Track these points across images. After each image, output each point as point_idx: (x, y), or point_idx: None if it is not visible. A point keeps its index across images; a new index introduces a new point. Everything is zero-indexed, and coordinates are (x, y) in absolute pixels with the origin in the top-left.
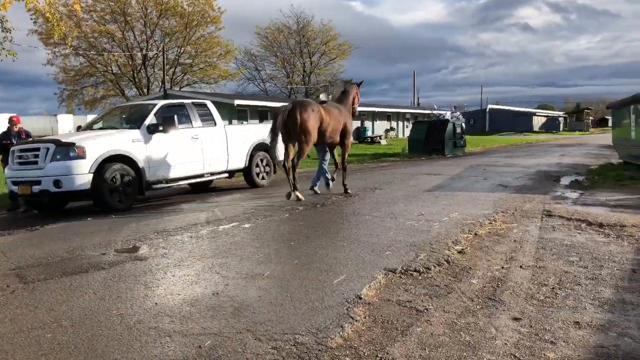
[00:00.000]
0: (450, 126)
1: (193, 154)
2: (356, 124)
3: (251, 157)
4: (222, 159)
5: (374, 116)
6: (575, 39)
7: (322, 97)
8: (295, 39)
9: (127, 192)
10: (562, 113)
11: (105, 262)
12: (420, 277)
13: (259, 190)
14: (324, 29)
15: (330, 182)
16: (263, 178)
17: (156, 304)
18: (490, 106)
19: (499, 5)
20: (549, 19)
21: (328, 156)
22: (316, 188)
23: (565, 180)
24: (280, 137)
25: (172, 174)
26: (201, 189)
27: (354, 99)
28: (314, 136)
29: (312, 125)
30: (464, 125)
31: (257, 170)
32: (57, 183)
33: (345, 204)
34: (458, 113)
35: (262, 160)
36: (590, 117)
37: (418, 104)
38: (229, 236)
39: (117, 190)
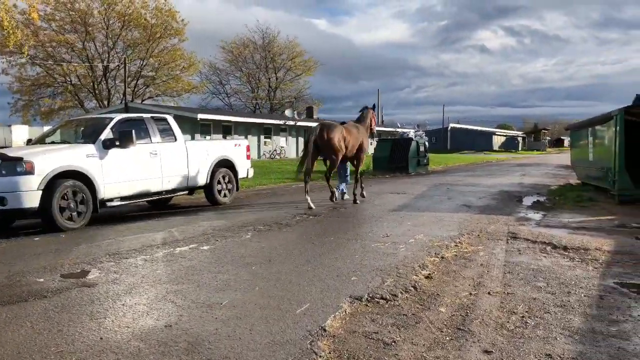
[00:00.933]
0: (414, 144)
1: (151, 171)
2: None
3: (213, 173)
4: (182, 175)
5: None
6: (532, 61)
7: (288, 112)
8: (261, 54)
9: (80, 210)
10: (520, 133)
11: (48, 290)
12: (387, 306)
13: (220, 208)
14: (289, 45)
15: (344, 194)
16: (225, 195)
17: (101, 338)
18: (451, 125)
19: (459, 27)
20: (504, 42)
21: (348, 169)
22: (345, 195)
23: (527, 201)
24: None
25: (129, 191)
26: (160, 206)
27: (371, 120)
28: (342, 152)
29: (338, 143)
30: (427, 143)
31: (219, 187)
32: (1, 200)
33: (311, 224)
34: (421, 131)
35: (224, 177)
36: (547, 137)
37: (382, 121)
38: (186, 259)
39: (69, 209)
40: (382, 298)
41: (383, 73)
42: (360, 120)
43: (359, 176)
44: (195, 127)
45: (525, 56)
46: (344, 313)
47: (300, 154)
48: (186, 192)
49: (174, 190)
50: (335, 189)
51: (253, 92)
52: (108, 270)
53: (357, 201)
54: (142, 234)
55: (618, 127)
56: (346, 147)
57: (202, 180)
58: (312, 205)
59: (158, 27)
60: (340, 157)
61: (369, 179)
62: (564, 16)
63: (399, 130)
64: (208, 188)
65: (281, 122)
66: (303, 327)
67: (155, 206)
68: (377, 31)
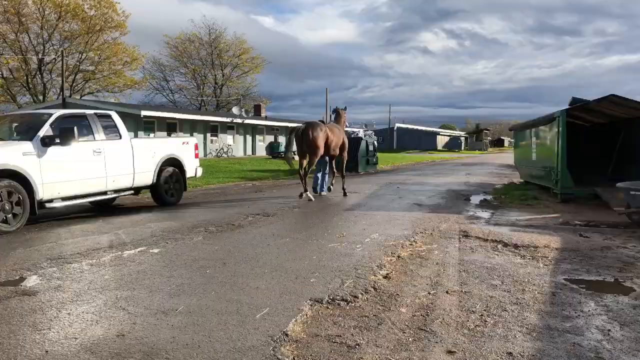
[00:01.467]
0: (363, 144)
1: (95, 170)
2: (270, 138)
3: (160, 172)
4: (127, 174)
5: (288, 131)
6: (473, 64)
7: (235, 110)
8: (207, 50)
9: (15, 212)
10: (463, 133)
11: None
12: (348, 307)
13: (168, 209)
14: (236, 41)
15: (329, 188)
16: (172, 195)
17: (47, 351)
18: (397, 125)
19: (403, 28)
20: (446, 44)
21: (327, 167)
22: (324, 192)
23: (475, 199)
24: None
25: (70, 192)
26: (104, 207)
27: (344, 120)
28: (321, 150)
29: (320, 141)
30: (376, 143)
31: (166, 187)
32: None
33: (264, 225)
34: (370, 131)
35: (171, 176)
36: (489, 138)
37: (330, 120)
38: (135, 263)
39: (3, 210)
40: (342, 300)
41: (329, 72)
42: (337, 120)
43: (344, 172)
44: (138, 125)
45: (466, 58)
46: (305, 316)
47: (256, 152)
48: (132, 192)
49: (119, 190)
50: (307, 187)
51: (199, 89)
52: (50, 277)
53: (347, 194)
54: (86, 236)
55: (560, 128)
56: (329, 146)
57: (148, 179)
58: (311, 197)
59: (98, 20)
60: (319, 155)
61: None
62: (501, 21)
63: (347, 129)
64: (155, 188)
65: (228, 119)
66: (264, 332)
67: (99, 207)
68: (324, 30)
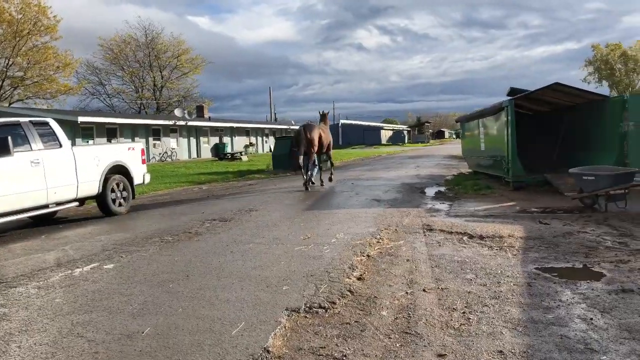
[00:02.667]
0: None
1: (33, 182)
2: (214, 140)
3: (105, 181)
4: (70, 185)
5: (233, 132)
6: (409, 59)
7: (177, 112)
8: (144, 52)
9: None
10: (405, 127)
11: None
12: (327, 315)
13: (116, 219)
14: (174, 42)
15: (321, 182)
16: (120, 205)
17: None
18: (342, 121)
19: (339, 26)
20: (380, 40)
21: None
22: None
23: (430, 192)
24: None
25: (6, 207)
26: (45, 221)
27: (327, 121)
28: (317, 147)
29: (317, 139)
30: None
31: (113, 196)
32: None
33: (224, 231)
34: None
35: (118, 185)
36: (430, 130)
37: (275, 119)
38: (89, 282)
39: None
40: (320, 307)
41: (269, 71)
42: (323, 122)
43: (333, 162)
44: (75, 131)
45: (401, 54)
46: (284, 329)
47: (201, 155)
48: (76, 203)
49: (61, 203)
50: (305, 177)
51: (137, 92)
52: None
53: (332, 181)
54: (29, 255)
55: (509, 117)
56: (322, 143)
57: (93, 189)
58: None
59: (26, 23)
60: (316, 151)
61: (272, 179)
62: (430, 16)
63: (294, 127)
64: (101, 197)
65: (171, 122)
66: (244, 350)
67: (40, 221)
68: (262, 29)
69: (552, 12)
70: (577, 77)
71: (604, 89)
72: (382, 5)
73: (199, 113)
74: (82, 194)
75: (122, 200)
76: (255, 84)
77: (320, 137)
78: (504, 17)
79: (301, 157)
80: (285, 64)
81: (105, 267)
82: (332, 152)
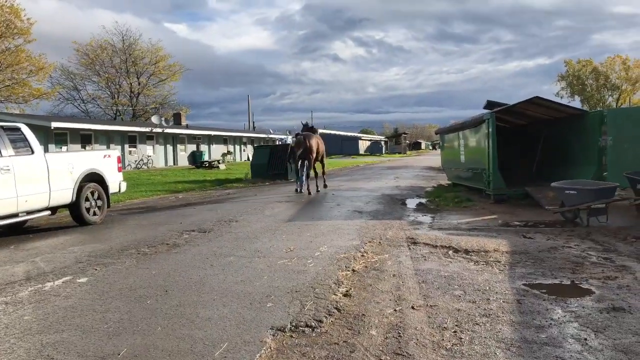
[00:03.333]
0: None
1: (3, 189)
2: (192, 147)
3: (80, 189)
4: (42, 193)
5: (210, 140)
6: (386, 70)
7: (154, 119)
8: (121, 58)
9: None
10: (383, 137)
11: None
12: (314, 335)
13: (90, 229)
14: (152, 48)
15: (317, 189)
16: (95, 214)
17: None
18: (320, 131)
19: (317, 37)
20: (355, 51)
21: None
22: (303, 190)
23: (411, 203)
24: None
25: None
26: (14, 230)
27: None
28: (314, 154)
29: (315, 148)
30: None
31: (88, 205)
32: None
33: (203, 243)
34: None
35: (92, 193)
36: (407, 141)
37: (254, 128)
38: (61, 298)
39: None
40: (307, 326)
41: (247, 80)
42: (315, 132)
43: (324, 174)
44: (49, 137)
45: (378, 65)
46: (269, 349)
47: (178, 163)
48: (48, 212)
49: (32, 211)
50: (300, 183)
51: (113, 98)
52: None
53: (312, 193)
54: None
55: (490, 129)
56: (318, 152)
57: (67, 197)
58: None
59: None
60: (314, 158)
61: (250, 188)
62: (404, 29)
63: (272, 136)
64: (74, 206)
65: (148, 129)
66: None
67: (8, 230)
68: (240, 38)
69: (523, 28)
70: (550, 91)
71: (576, 103)
72: (357, 17)
73: (176, 120)
74: (55, 202)
75: (96, 210)
76: (233, 92)
77: (318, 146)
78: (477, 32)
79: (298, 163)
80: (263, 73)
81: (78, 280)
82: (325, 161)
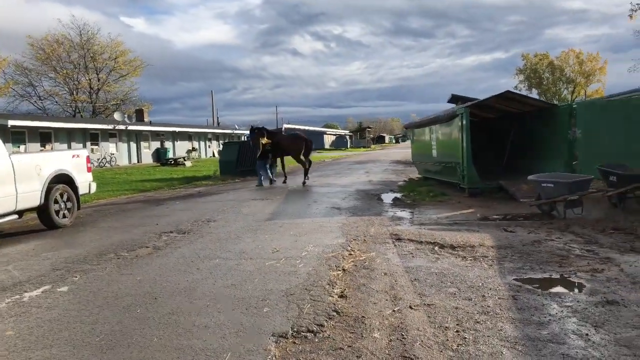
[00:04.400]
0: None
1: None
2: (156, 144)
3: (48, 191)
4: (8, 196)
5: (175, 136)
6: (347, 65)
7: (117, 116)
8: (79, 53)
9: None
10: (348, 132)
11: None
12: (317, 340)
13: (61, 233)
14: (112, 43)
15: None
16: (64, 216)
17: None
18: (285, 125)
19: (277, 31)
20: (314, 46)
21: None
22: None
23: (387, 199)
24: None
25: None
26: None
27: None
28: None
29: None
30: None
31: (57, 207)
32: None
33: (185, 245)
34: None
35: (61, 195)
36: (371, 135)
37: (218, 123)
38: (43, 309)
39: None
40: (308, 330)
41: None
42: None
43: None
44: (5, 136)
45: (340, 60)
46: (274, 358)
47: (142, 160)
48: (15, 216)
49: None
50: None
51: (72, 95)
52: None
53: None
54: None
55: (464, 122)
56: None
57: (35, 200)
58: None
59: None
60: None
61: (220, 185)
62: (361, 23)
63: (237, 132)
64: (43, 209)
65: (110, 126)
66: None
67: None
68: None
69: (478, 23)
70: (507, 84)
71: (533, 96)
72: (314, 12)
73: (139, 117)
74: (22, 205)
75: (66, 212)
76: (193, 87)
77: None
78: (433, 27)
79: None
80: (223, 67)
81: (59, 289)
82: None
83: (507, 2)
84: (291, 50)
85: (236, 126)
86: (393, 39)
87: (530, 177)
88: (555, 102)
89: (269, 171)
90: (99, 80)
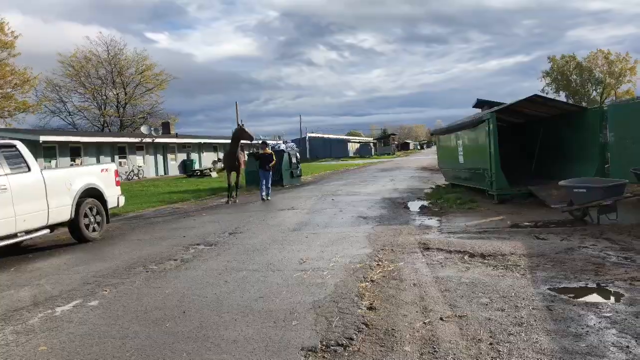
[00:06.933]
0: (286, 156)
1: (1, 210)
2: (182, 156)
3: (78, 205)
4: (40, 211)
5: (201, 148)
6: (368, 72)
7: (144, 129)
8: (107, 68)
9: None
10: (372, 139)
11: None
12: (347, 354)
13: (91, 246)
14: (138, 58)
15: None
16: (94, 230)
17: None
18: (309, 134)
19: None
20: (335, 56)
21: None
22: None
23: (414, 207)
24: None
25: None
26: (10, 250)
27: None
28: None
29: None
30: (298, 154)
31: (87, 221)
32: None
33: (212, 257)
34: (292, 143)
35: (91, 209)
36: (395, 142)
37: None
38: (74, 324)
39: None
40: (338, 344)
41: (230, 86)
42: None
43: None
44: (37, 151)
45: (361, 68)
46: None
47: (169, 172)
48: (47, 230)
49: (31, 231)
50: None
51: (100, 109)
52: None
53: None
54: (0, 292)
55: (492, 129)
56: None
57: (65, 214)
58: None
59: None
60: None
61: (247, 196)
62: (373, 31)
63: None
64: (73, 223)
65: (137, 139)
66: None
67: (5, 251)
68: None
69: (490, 27)
70: (530, 88)
71: (561, 99)
72: (332, 22)
73: (165, 129)
74: (54, 220)
75: (96, 226)
76: (217, 99)
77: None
78: (447, 32)
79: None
80: (245, 79)
81: (89, 304)
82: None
83: (518, 5)
84: (310, 61)
85: (261, 136)
86: (407, 46)
87: (561, 182)
88: (584, 104)
89: (263, 186)
90: (125, 94)
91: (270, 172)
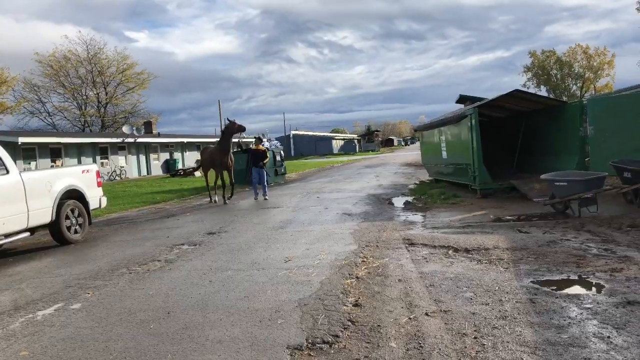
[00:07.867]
0: (270, 155)
1: None
2: (165, 156)
3: (59, 207)
4: (21, 214)
5: (184, 147)
6: (350, 69)
7: (125, 129)
8: (87, 68)
9: None
10: (356, 136)
11: None
12: (333, 351)
13: (73, 248)
14: (118, 57)
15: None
16: (76, 232)
17: None
18: (293, 132)
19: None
20: (316, 53)
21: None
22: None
23: (398, 203)
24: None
25: None
26: None
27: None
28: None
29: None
30: (282, 153)
31: (68, 223)
32: None
33: (196, 257)
34: (276, 141)
35: (73, 211)
36: (379, 138)
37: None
38: (56, 328)
39: None
40: (323, 342)
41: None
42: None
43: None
44: (16, 153)
45: (342, 65)
46: None
47: (152, 172)
48: (27, 233)
49: (10, 234)
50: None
51: (80, 109)
52: None
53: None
54: None
55: (474, 123)
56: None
57: (46, 217)
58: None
59: None
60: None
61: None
62: (350, 28)
63: (246, 140)
64: (55, 225)
65: (119, 139)
66: None
67: None
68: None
69: (466, 23)
70: (510, 83)
71: (542, 93)
72: (301, 20)
73: (147, 129)
74: (34, 222)
75: (77, 227)
76: (199, 98)
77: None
78: (423, 29)
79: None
80: (225, 77)
81: (71, 307)
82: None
83: (493, 1)
84: (293, 58)
85: (244, 135)
86: (385, 43)
87: (543, 176)
88: (565, 98)
89: (257, 184)
90: (106, 94)
91: (265, 170)
